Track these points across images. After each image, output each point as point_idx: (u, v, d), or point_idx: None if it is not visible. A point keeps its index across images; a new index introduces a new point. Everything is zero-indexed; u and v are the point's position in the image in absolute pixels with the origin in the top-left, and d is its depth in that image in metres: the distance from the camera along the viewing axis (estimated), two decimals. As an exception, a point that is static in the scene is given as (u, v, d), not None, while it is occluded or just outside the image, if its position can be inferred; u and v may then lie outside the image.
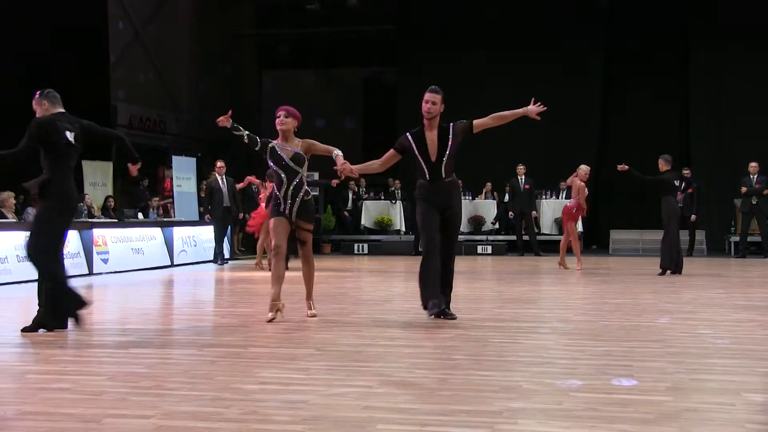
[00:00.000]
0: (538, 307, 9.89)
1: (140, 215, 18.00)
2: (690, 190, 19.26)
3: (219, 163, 17.18)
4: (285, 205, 8.23)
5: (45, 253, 7.41)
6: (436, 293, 8.00)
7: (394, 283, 13.61)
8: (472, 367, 5.71)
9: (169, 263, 17.01)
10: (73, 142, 7.50)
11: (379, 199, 23.21)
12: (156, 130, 23.57)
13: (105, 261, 15.05)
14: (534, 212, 21.09)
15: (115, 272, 15.05)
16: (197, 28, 25.09)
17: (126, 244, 15.92)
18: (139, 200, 19.54)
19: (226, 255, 18.03)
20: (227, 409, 4.54)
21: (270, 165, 8.38)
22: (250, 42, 26.45)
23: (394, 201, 22.68)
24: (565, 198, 21.49)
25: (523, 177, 20.72)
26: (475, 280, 14.12)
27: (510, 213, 21.58)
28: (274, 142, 8.37)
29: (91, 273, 14.47)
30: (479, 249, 21.31)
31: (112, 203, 18.15)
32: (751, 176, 19.33)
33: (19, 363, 6.00)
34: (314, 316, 8.47)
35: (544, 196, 21.96)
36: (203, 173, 20.17)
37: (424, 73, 24.11)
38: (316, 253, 20.64)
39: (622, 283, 12.76)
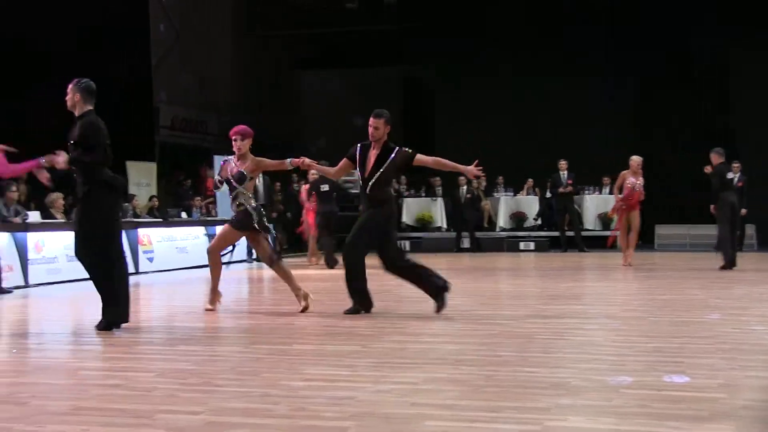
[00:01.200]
0: (583, 303, 9.83)
1: (184, 215, 18.14)
2: (740, 184, 19.02)
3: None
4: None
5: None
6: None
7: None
8: (519, 364, 5.69)
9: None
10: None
11: (420, 196, 23.19)
12: (197, 131, 23.74)
13: (150, 260, 15.21)
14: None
15: (160, 271, 15.19)
16: (236, 28, 25.22)
17: (170, 243, 16.06)
18: (182, 200, 19.69)
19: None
20: (275, 405, 4.57)
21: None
22: (287, 41, 26.52)
23: (435, 198, 22.65)
24: (609, 193, 21.34)
25: (566, 172, 20.57)
26: (518, 277, 14.08)
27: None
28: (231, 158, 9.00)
29: (137, 272, 14.63)
30: (521, 245, 21.21)
31: (157, 203, 18.30)
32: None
33: (72, 359, 6.09)
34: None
35: (587, 192, 21.80)
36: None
37: (462, 72, 24.10)
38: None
39: (670, 278, 12.61)
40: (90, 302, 9.27)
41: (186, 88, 23.05)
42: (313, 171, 15.51)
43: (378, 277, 13.56)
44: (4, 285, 11.20)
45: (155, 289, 12.37)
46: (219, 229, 9.34)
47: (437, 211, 22.59)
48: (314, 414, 4.37)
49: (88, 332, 7.44)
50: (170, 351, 6.51)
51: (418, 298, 10.42)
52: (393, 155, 8.43)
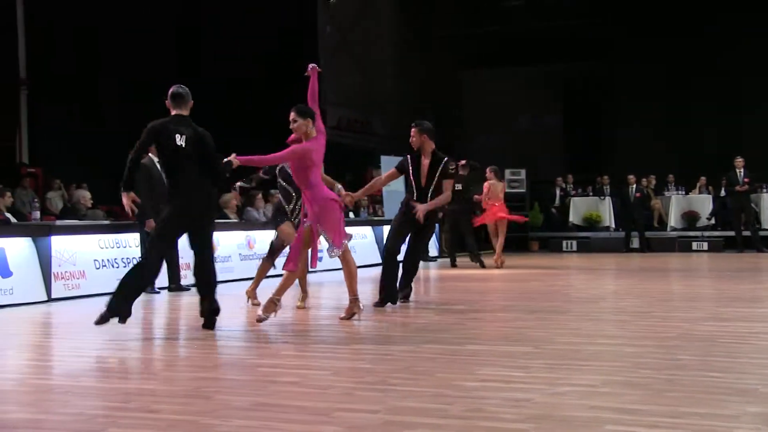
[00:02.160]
0: (764, 306, 9.40)
1: (351, 214, 18.41)
2: None
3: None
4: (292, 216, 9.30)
5: (151, 247, 7.63)
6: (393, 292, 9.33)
7: (606, 281, 13.31)
8: (701, 368, 5.49)
9: (380, 261, 17.28)
10: (183, 146, 7.32)
11: (588, 195, 22.76)
12: (363, 132, 24.07)
13: (320, 259, 15.48)
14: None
15: (329, 270, 15.44)
16: (399, 29, 25.43)
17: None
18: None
19: (433, 253, 18.21)
20: (451, 405, 4.55)
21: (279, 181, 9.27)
22: (451, 41, 26.53)
23: (603, 197, 22.18)
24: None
25: (742, 170, 19.75)
26: (692, 278, 13.61)
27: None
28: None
29: (308, 270, 14.92)
30: (694, 245, 20.49)
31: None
32: None
33: (249, 356, 6.26)
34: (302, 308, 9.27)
35: (765, 190, 20.86)
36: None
37: (631, 67, 23.51)
38: (524, 251, 20.42)
39: None
40: (260, 299, 9.55)
41: (352, 89, 23.41)
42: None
43: (545, 277, 13.44)
44: (183, 282, 11.63)
45: (324, 288, 12.59)
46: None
47: (605, 211, 22.10)
48: (492, 415, 4.33)
49: (261, 329, 7.64)
50: (344, 349, 6.61)
51: (588, 299, 10.24)
52: (441, 167, 9.15)
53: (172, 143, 7.30)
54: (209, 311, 7.54)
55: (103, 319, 7.23)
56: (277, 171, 9.13)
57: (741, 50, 21.92)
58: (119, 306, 7.25)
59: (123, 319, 7.27)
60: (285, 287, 7.80)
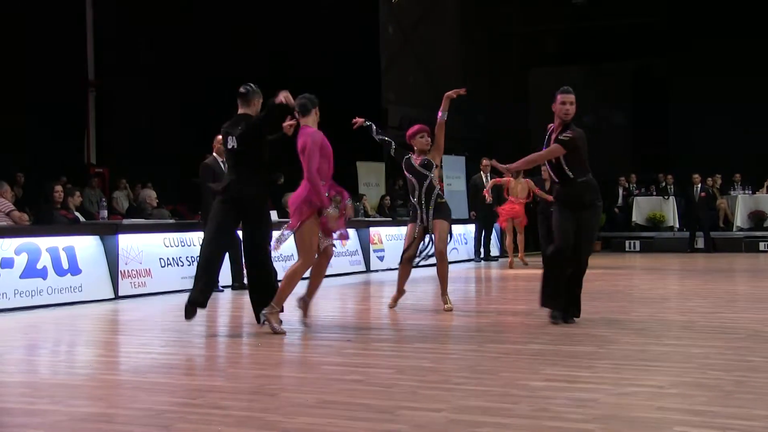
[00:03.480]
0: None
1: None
2: None
3: (485, 161, 17.24)
4: (420, 210, 8.83)
5: (205, 244, 7.65)
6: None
7: (671, 281, 13.14)
8: (770, 370, 5.40)
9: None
10: (234, 147, 7.42)
11: (651, 194, 22.47)
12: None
13: (381, 258, 15.54)
14: None
15: (390, 269, 15.48)
16: (463, 28, 25.38)
17: (399, 242, 16.32)
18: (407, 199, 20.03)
19: (495, 252, 18.15)
20: (516, 405, 4.54)
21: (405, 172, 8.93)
22: (515, 39, 26.41)
23: (667, 197, 21.88)
24: None
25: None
26: (759, 279, 13.36)
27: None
28: (410, 155, 8.95)
29: (368, 270, 15.00)
30: (761, 246, 20.11)
31: (388, 202, 18.67)
32: None
33: (312, 354, 6.31)
34: (450, 309, 8.78)
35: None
36: (471, 172, 20.33)
37: (698, 66, 23.15)
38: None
39: None
40: (323, 298, 9.60)
41: (415, 88, 23.41)
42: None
43: (608, 277, 13.30)
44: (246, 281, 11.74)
45: (386, 288, 12.62)
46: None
47: (669, 210, 21.81)
48: (557, 415, 4.31)
49: (323, 327, 7.69)
50: (406, 348, 6.62)
51: (653, 299, 10.11)
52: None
53: (226, 147, 7.59)
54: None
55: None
56: (404, 159, 8.89)
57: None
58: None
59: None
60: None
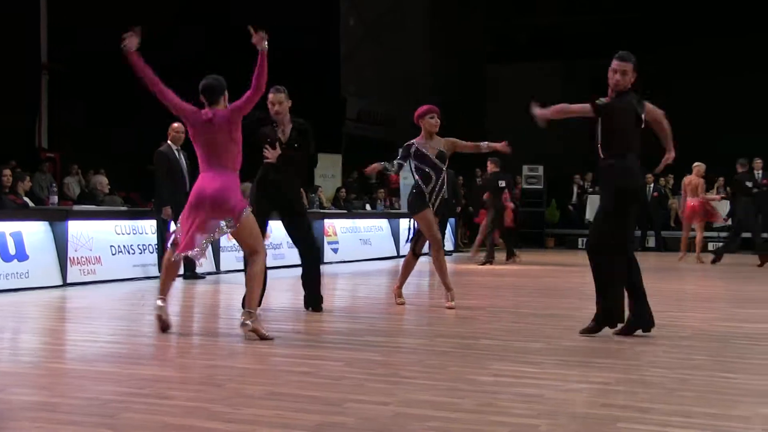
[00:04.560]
0: (779, 308, 9.36)
1: (368, 207, 18.44)
2: None
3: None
4: (431, 199, 8.52)
5: None
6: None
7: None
8: (714, 368, 5.48)
9: (396, 254, 17.34)
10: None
11: (605, 193, 22.67)
12: (384, 124, 24.07)
13: (335, 251, 15.53)
14: None
15: (344, 262, 15.49)
16: (426, 22, 25.40)
17: (354, 235, 16.36)
18: (366, 192, 20.02)
19: (450, 247, 18.19)
20: (463, 399, 4.56)
21: (415, 165, 8.55)
22: (480, 34, 26.49)
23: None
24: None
25: (760, 171, 19.50)
26: (707, 279, 13.56)
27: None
28: (416, 141, 8.57)
29: (322, 262, 14.94)
30: (710, 246, 20.38)
31: (344, 194, 18.65)
32: None
33: (262, 345, 6.27)
34: (452, 308, 8.50)
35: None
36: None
37: (654, 65, 23.36)
38: (539, 247, 20.38)
39: None
40: (274, 289, 9.58)
41: (374, 81, 23.41)
42: (491, 165, 15.48)
43: (562, 274, 13.43)
44: (198, 270, 11.69)
45: (340, 280, 12.62)
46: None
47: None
48: (503, 410, 4.33)
49: (274, 319, 7.66)
50: (357, 341, 6.61)
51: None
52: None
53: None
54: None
55: None
56: (411, 152, 8.56)
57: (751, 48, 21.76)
58: None
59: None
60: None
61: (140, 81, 6.62)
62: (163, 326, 6.66)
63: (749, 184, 16.55)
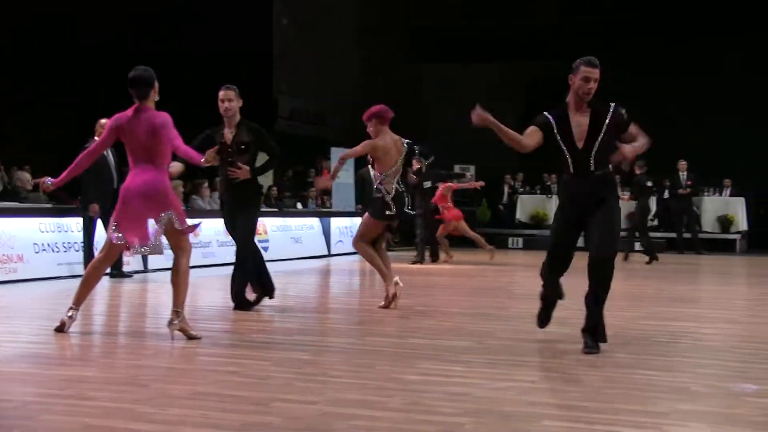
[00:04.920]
0: (701, 307, 9.57)
1: (299, 205, 18.37)
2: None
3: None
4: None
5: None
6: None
7: (551, 279, 13.40)
8: (637, 366, 5.56)
9: (327, 253, 17.30)
10: None
11: (535, 193, 22.94)
12: (315, 122, 24.00)
13: (265, 249, 15.42)
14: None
15: (275, 260, 15.39)
16: (358, 21, 25.38)
17: (285, 233, 16.28)
18: (298, 191, 19.93)
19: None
20: (390, 398, 4.56)
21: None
22: (411, 35, 26.56)
23: (549, 195, 22.37)
24: (729, 195, 20.93)
25: (685, 173, 20.04)
26: (633, 278, 13.77)
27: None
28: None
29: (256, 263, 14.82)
30: (637, 246, 20.71)
31: (276, 192, 18.51)
32: None
33: (189, 345, 6.20)
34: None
35: (706, 193, 21.22)
36: (361, 164, 20.39)
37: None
38: (471, 247, 20.48)
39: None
40: (203, 288, 9.49)
41: (306, 80, 23.33)
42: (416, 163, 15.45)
43: (491, 274, 13.53)
44: (125, 269, 11.52)
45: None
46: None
47: (552, 209, 22.28)
48: (430, 409, 4.34)
49: (203, 318, 7.59)
50: (285, 340, 6.58)
51: (531, 296, 10.29)
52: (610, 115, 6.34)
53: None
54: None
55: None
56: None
57: (685, 53, 22.20)
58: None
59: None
60: None
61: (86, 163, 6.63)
62: (60, 327, 6.49)
63: (649, 183, 17.07)
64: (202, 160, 6.27)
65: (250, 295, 8.22)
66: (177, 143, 6.25)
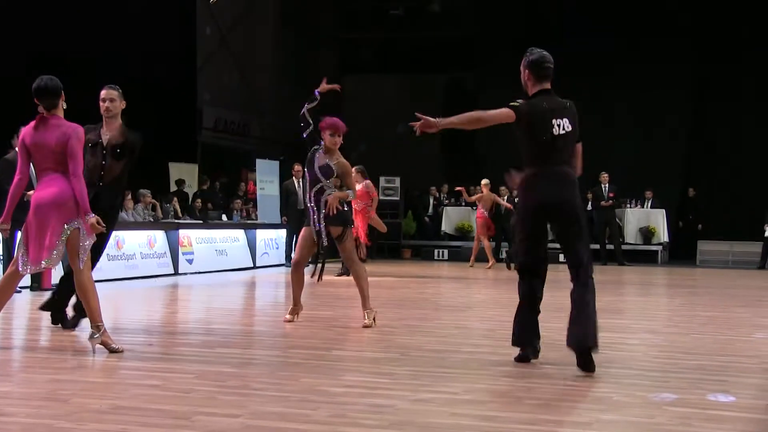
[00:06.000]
0: (624, 318, 9.72)
1: (224, 217, 18.22)
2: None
3: (296, 167, 17.14)
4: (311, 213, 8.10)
5: None
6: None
7: (475, 290, 13.54)
8: (559, 377, 5.64)
9: (252, 265, 17.18)
10: None
11: (460, 205, 23.11)
12: (240, 133, 23.84)
13: (190, 261, 15.27)
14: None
15: (199, 273, 15.25)
16: (281, 32, 25.32)
17: (210, 245, 16.13)
18: (222, 202, 19.76)
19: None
20: (314, 411, 4.55)
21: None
22: (333, 46, 26.59)
23: (474, 207, 22.55)
24: (651, 207, 21.35)
25: (607, 185, 20.41)
26: (557, 289, 13.94)
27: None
28: (319, 149, 8.31)
29: (176, 273, 14.68)
30: (561, 257, 21.01)
31: (200, 204, 18.31)
32: None
33: (111, 358, 6.10)
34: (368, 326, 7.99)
35: (628, 205, 21.63)
36: (286, 176, 20.33)
37: (505, 79, 24.01)
38: (397, 258, 20.49)
39: (712, 295, 12.46)
40: (127, 300, 9.36)
41: (230, 91, 23.17)
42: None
43: (416, 285, 13.58)
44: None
45: (194, 291, 12.42)
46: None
47: (476, 221, 22.48)
48: (354, 420, 4.34)
49: (125, 331, 7.47)
50: (208, 353, 6.51)
51: (456, 307, 10.39)
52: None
53: None
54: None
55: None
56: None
57: (610, 72, 22.62)
58: None
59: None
60: None
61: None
62: None
63: None
64: None
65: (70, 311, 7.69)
66: (74, 166, 6.16)
